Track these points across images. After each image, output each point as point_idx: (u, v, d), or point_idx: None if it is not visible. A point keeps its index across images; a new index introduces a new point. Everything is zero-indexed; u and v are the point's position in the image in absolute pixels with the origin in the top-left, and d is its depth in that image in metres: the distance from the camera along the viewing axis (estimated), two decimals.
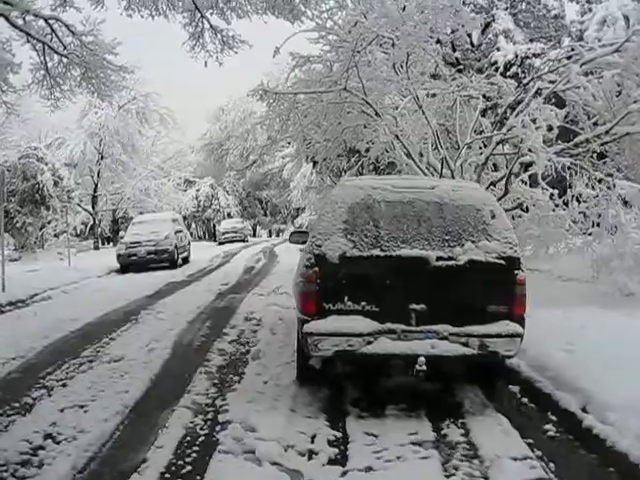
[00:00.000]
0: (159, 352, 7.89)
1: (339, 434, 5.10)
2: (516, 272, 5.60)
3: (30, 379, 6.88)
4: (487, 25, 25.75)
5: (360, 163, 17.00)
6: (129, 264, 20.93)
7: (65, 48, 16.70)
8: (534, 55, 22.67)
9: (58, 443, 4.92)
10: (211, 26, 17.44)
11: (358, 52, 11.39)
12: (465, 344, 5.43)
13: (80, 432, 5.11)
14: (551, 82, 13.32)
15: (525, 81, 13.89)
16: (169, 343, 8.44)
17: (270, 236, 67.36)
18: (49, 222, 28.13)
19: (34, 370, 7.32)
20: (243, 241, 43.76)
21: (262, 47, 18.32)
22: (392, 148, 15.23)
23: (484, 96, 14.18)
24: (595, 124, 13.21)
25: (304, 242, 9.17)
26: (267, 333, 9.04)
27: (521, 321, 5.61)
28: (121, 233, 42.73)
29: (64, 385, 6.57)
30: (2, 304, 13.47)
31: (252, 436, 4.91)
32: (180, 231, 23.14)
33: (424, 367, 5.30)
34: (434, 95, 13.72)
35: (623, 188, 9.78)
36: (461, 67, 18.70)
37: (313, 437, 5.01)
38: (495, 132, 13.24)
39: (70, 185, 27.07)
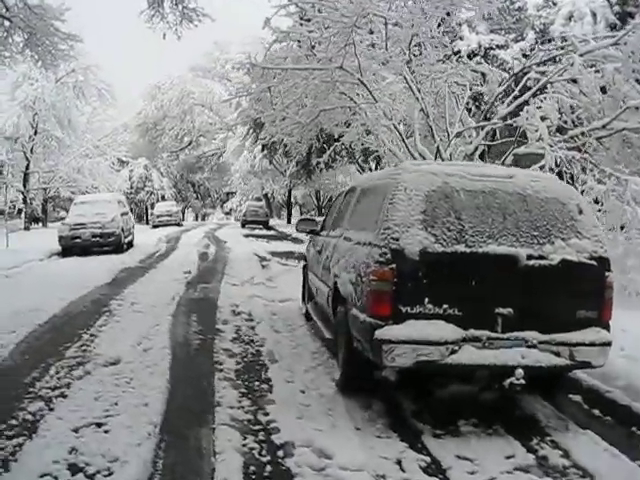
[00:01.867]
0: (158, 353, 6.90)
1: (427, 458, 4.35)
2: (606, 274, 4.98)
3: (17, 387, 5.78)
4: (448, 13, 25.42)
5: (332, 148, 16.20)
6: (72, 247, 19.40)
7: (7, 10, 15.37)
8: (498, 46, 22.43)
9: (92, 478, 3.96)
10: None
11: (358, 28, 10.55)
12: (557, 353, 4.79)
13: (113, 461, 4.15)
14: (540, 73, 12.95)
15: (516, 70, 13.43)
16: (163, 341, 7.45)
17: (196, 220, 65.57)
18: None
19: (16, 375, 6.20)
20: (178, 225, 42.14)
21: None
22: (368, 134, 14.55)
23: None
24: (578, 118, 12.89)
25: (311, 231, 8.41)
26: (268, 330, 8.16)
27: (608, 328, 5.02)
28: (53, 214, 40.55)
29: (63, 396, 5.51)
30: None
31: (331, 464, 4.11)
32: (126, 213, 21.70)
33: (522, 380, 4.61)
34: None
35: (637, 184, 9.37)
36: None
37: (399, 462, 4.25)
38: (486, 122, 12.74)
39: (3, 160, 25.03)
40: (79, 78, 29.62)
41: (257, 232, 33.90)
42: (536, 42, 21.56)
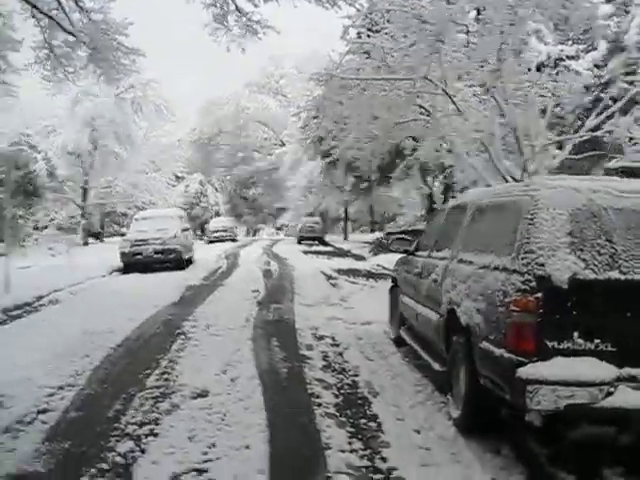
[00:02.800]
0: (247, 383, 6.37)
1: None
2: None
3: (100, 421, 5.33)
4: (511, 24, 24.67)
5: (404, 163, 15.62)
6: (133, 263, 19.22)
7: (72, 26, 15.32)
8: (568, 57, 21.61)
9: None
10: (237, 8, 16.03)
11: (441, 38, 9.98)
12: None
13: None
14: (628, 83, 12.32)
15: (603, 80, 12.74)
16: (249, 369, 6.93)
17: (248, 235, 65.54)
18: (34, 213, 26.17)
19: (98, 407, 5.76)
20: (233, 240, 42.18)
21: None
22: (440, 148, 13.97)
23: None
24: None
25: (405, 251, 7.81)
26: (358, 357, 7.57)
27: None
28: (109, 229, 40.90)
29: (154, 434, 5.01)
30: (9, 308, 11.84)
31: None
32: (187, 229, 21.48)
33: None
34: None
35: None
36: None
37: None
38: (574, 135, 12.04)
39: (65, 176, 25.17)
40: (137, 94, 29.74)
41: (315, 248, 33.47)
42: (609, 52, 20.64)
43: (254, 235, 71.21)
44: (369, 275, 17.37)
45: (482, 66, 10.74)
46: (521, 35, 10.76)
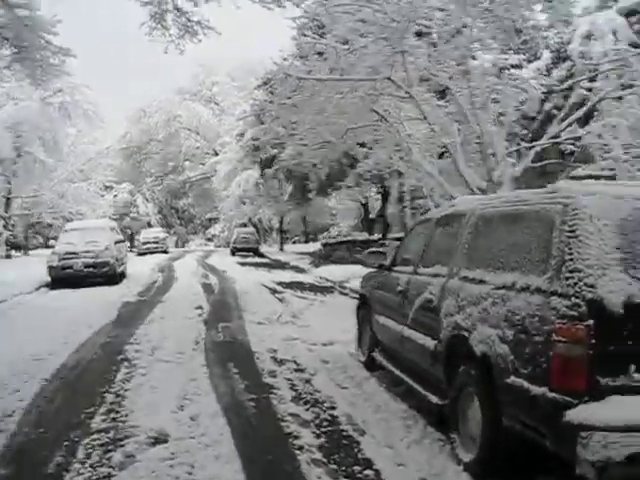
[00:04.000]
0: (210, 423, 5.46)
1: None
2: None
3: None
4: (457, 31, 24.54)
5: (355, 171, 14.95)
6: (62, 278, 17.86)
7: None
8: (512, 66, 21.57)
9: None
10: (176, 7, 15.18)
11: (404, 38, 9.36)
12: None
13: None
14: (587, 90, 12.12)
15: (563, 86, 12.46)
16: (210, 404, 6.02)
17: (177, 246, 63.64)
18: None
19: (35, 460, 4.77)
20: (164, 252, 40.73)
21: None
22: (394, 154, 13.43)
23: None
24: None
25: (381, 266, 7.08)
26: (330, 385, 6.76)
27: None
28: (34, 241, 38.75)
29: None
30: None
31: None
32: (121, 241, 20.22)
33: None
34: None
35: None
36: None
37: None
38: (539, 142, 11.65)
39: None
40: (66, 98, 28.10)
41: (251, 260, 32.48)
42: (552, 61, 20.72)
43: (184, 246, 69.44)
44: (315, 289, 16.63)
45: (445, 70, 10.20)
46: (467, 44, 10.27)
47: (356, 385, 6.78)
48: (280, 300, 14.14)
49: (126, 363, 7.90)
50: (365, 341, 7.62)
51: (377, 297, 7.17)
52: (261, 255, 36.90)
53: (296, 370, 7.49)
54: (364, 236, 27.93)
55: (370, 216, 31.20)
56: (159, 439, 5.06)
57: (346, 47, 10.88)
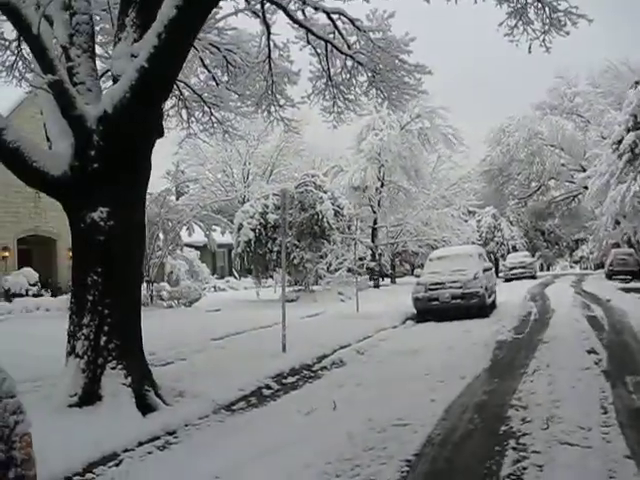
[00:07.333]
0: None
1: None
2: None
3: None
4: None
5: None
6: (429, 310, 16.63)
7: (349, 47, 13.92)
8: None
9: None
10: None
11: None
12: None
13: None
14: None
15: None
16: None
17: (541, 270, 59.92)
18: (323, 256, 25.03)
19: None
20: (533, 277, 38.09)
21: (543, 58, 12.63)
22: None
23: None
24: None
25: None
26: None
27: None
28: (400, 269, 39.47)
29: None
30: (284, 373, 9.77)
31: None
32: (488, 269, 18.33)
33: None
34: None
35: None
36: None
37: None
38: None
39: (351, 214, 23.75)
40: (425, 124, 27.53)
41: (634, 285, 27.96)
42: None
43: (548, 269, 65.38)
44: None
45: None
46: None
47: None
48: None
49: (512, 442, 5.75)
50: None
51: None
52: None
53: None
54: None
55: None
56: None
57: None
